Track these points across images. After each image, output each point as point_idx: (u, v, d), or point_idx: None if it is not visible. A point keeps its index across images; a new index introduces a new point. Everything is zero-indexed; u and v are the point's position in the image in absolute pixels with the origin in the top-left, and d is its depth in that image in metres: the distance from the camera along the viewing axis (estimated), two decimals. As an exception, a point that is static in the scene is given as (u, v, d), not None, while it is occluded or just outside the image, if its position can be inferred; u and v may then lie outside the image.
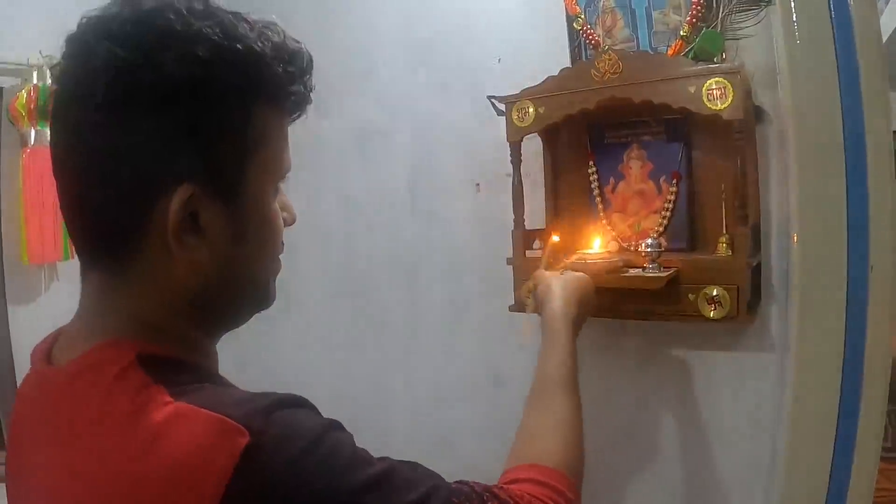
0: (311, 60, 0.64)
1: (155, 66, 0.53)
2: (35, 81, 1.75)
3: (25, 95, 1.73)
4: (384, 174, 1.72)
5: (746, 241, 1.13)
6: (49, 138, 0.60)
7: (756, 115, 1.23)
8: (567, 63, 1.36)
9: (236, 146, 0.59)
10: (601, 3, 1.33)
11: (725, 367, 1.29)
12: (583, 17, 1.33)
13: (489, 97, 1.40)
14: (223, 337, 0.68)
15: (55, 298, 1.86)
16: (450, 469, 0.64)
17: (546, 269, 1.17)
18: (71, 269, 1.85)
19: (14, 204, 1.78)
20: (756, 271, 1.22)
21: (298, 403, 0.57)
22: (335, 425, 0.57)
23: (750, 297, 1.16)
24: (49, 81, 1.76)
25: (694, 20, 1.21)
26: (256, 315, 0.69)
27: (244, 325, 0.69)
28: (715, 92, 1.10)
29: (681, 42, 1.23)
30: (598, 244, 1.30)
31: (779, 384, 1.23)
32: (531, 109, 1.28)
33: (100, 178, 0.56)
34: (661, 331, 1.33)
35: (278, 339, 1.83)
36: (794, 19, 1.11)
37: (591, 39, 1.33)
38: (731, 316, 1.14)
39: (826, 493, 1.10)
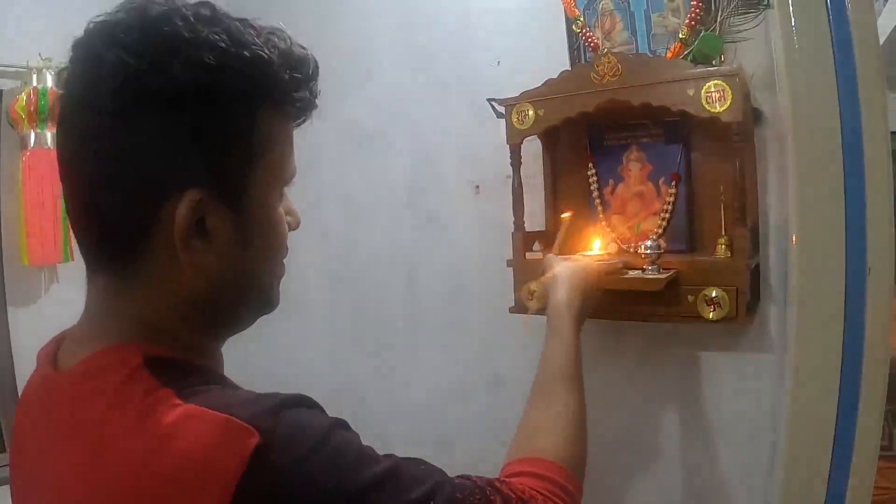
0: (316, 66, 0.64)
1: (163, 71, 0.54)
2: (35, 84, 1.76)
3: (25, 98, 1.73)
4: (384, 176, 1.73)
5: (745, 242, 1.14)
6: (56, 143, 0.60)
7: (755, 117, 1.23)
8: (566, 66, 1.37)
9: (243, 151, 0.59)
10: (600, 5, 1.33)
11: (725, 367, 1.30)
12: (582, 19, 1.34)
13: (489, 100, 1.41)
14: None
15: (55, 300, 1.87)
16: (449, 469, 0.64)
17: (561, 247, 1.17)
18: (71, 271, 1.86)
19: (14, 206, 1.78)
20: (755, 273, 1.22)
21: (305, 403, 0.57)
22: (341, 424, 0.58)
23: (749, 298, 1.16)
24: (49, 84, 1.76)
25: (693, 23, 1.21)
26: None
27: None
28: (714, 94, 1.10)
29: (679, 45, 1.23)
30: (597, 246, 1.30)
31: (778, 385, 1.23)
32: (531, 112, 1.28)
33: (107, 183, 0.56)
34: (661, 332, 1.34)
35: (278, 341, 1.83)
36: (793, 22, 1.11)
37: (590, 42, 1.33)
38: (731, 317, 1.14)
39: (825, 493, 1.10)
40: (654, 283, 1.14)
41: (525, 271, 1.30)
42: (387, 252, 1.74)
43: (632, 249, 1.30)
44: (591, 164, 1.37)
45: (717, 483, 1.32)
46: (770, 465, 1.25)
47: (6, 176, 1.79)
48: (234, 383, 0.61)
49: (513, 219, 1.34)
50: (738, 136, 1.12)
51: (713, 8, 1.21)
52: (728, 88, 1.09)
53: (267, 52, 0.59)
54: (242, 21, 0.59)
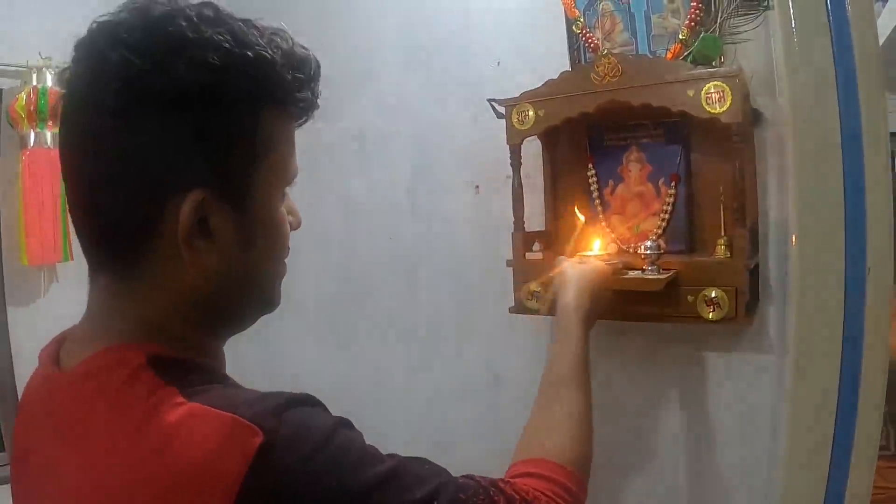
0: (318, 67, 0.65)
1: (167, 71, 0.54)
2: (35, 83, 1.76)
3: (25, 97, 1.74)
4: (384, 176, 1.73)
5: (745, 243, 1.14)
6: (58, 143, 0.61)
7: (754, 118, 1.23)
8: (566, 66, 1.37)
9: (246, 151, 0.60)
10: (600, 6, 1.33)
11: (724, 367, 1.30)
12: (582, 20, 1.34)
13: (489, 100, 1.41)
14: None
15: (55, 300, 1.87)
16: (448, 469, 0.64)
17: (574, 251, 1.18)
18: (70, 270, 1.86)
19: (13, 205, 1.78)
20: (754, 273, 1.23)
21: (309, 402, 0.57)
22: (345, 423, 0.58)
23: (748, 298, 1.16)
24: (49, 83, 1.76)
25: (693, 24, 1.22)
26: None
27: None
28: (713, 95, 1.11)
29: (679, 46, 1.24)
30: (597, 246, 1.30)
31: (777, 385, 1.24)
32: (531, 112, 1.29)
33: (111, 183, 0.57)
34: (660, 332, 1.34)
35: (278, 341, 1.84)
36: (793, 23, 1.12)
37: (590, 43, 1.34)
38: (730, 317, 1.15)
39: (825, 492, 1.11)
40: (654, 283, 1.15)
41: (525, 271, 1.31)
42: (386, 252, 1.74)
43: (631, 250, 1.30)
44: (590, 165, 1.37)
45: (715, 483, 1.32)
46: (770, 464, 1.25)
47: (6, 175, 1.79)
48: (236, 382, 0.61)
49: (513, 219, 1.35)
50: (738, 136, 1.12)
51: (713, 9, 1.21)
52: (728, 89, 1.09)
53: (270, 52, 0.59)
54: (245, 22, 0.59)
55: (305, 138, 0.68)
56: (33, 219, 1.77)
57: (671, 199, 1.28)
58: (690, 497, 1.35)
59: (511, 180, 1.35)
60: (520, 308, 1.33)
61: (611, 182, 1.36)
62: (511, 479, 0.70)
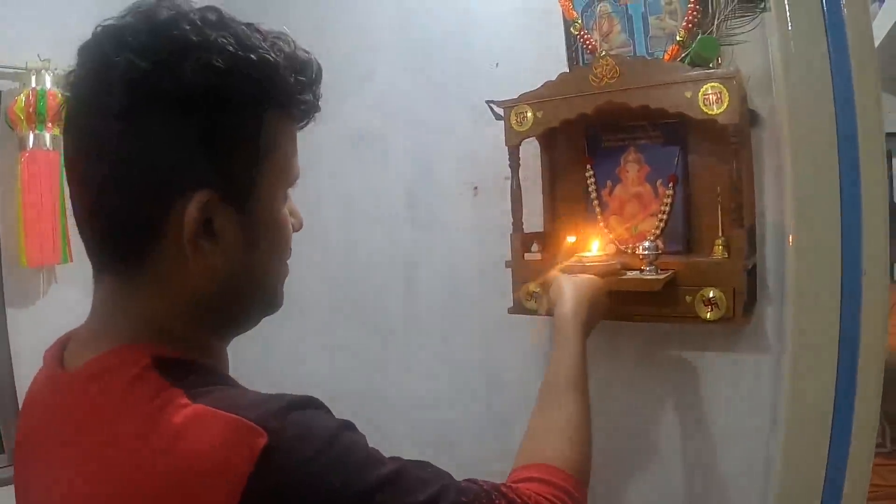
0: (320, 70, 0.65)
1: (172, 74, 0.55)
2: (34, 85, 1.76)
3: (24, 99, 1.74)
4: (382, 178, 1.73)
5: (742, 243, 1.15)
6: (63, 146, 0.61)
7: (751, 119, 1.24)
8: (564, 68, 1.37)
9: (249, 153, 0.60)
10: (598, 8, 1.34)
11: (722, 367, 1.31)
12: (580, 22, 1.35)
13: (487, 102, 1.42)
14: None
15: (54, 301, 1.87)
16: (447, 470, 0.65)
17: (560, 270, 1.19)
18: (70, 272, 1.86)
19: (13, 207, 1.78)
20: (752, 273, 1.23)
21: (313, 404, 0.58)
22: (348, 426, 0.59)
23: (746, 298, 1.17)
24: (48, 85, 1.76)
25: (690, 25, 1.22)
26: None
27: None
28: (711, 97, 1.11)
29: (677, 47, 1.24)
30: (595, 247, 1.31)
31: (774, 384, 1.24)
32: (529, 114, 1.29)
33: (116, 185, 0.57)
34: (659, 332, 1.34)
35: (277, 343, 1.84)
36: (789, 25, 1.12)
37: (588, 44, 1.34)
38: (728, 317, 1.15)
39: (822, 491, 1.11)
40: (652, 283, 1.15)
41: (524, 272, 1.31)
42: (385, 253, 1.75)
43: (630, 250, 1.31)
44: (589, 166, 1.37)
45: (714, 482, 1.33)
46: (767, 464, 1.26)
47: (5, 177, 1.79)
48: (238, 383, 0.62)
49: (511, 220, 1.35)
50: (735, 137, 1.13)
51: (710, 11, 1.22)
52: (725, 91, 1.10)
53: (273, 55, 0.60)
54: (248, 25, 0.60)
55: (304, 140, 0.69)
56: (32, 220, 1.77)
57: (669, 200, 1.29)
58: (689, 496, 1.36)
59: (509, 181, 1.35)
60: (519, 308, 1.33)
61: (609, 183, 1.36)
62: (513, 484, 0.71)
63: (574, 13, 1.35)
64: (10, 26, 1.78)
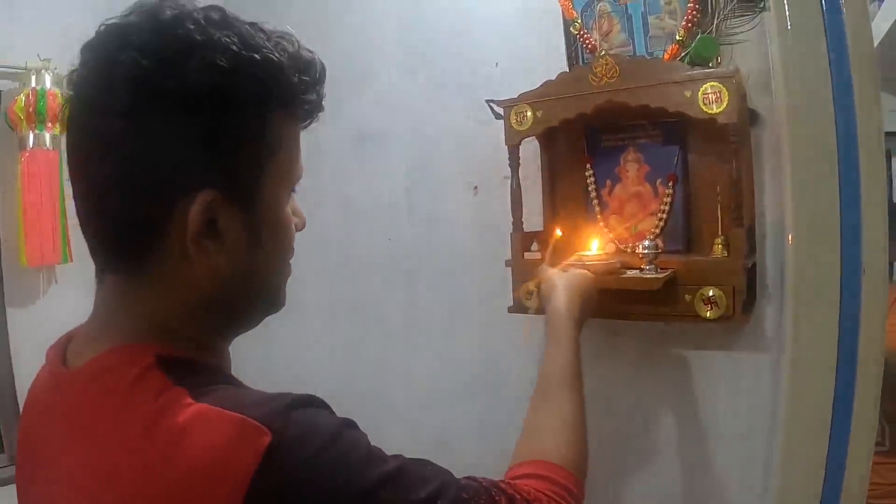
0: (323, 69, 0.65)
1: (177, 73, 0.55)
2: (34, 85, 1.76)
3: (24, 99, 1.73)
4: (382, 177, 1.74)
5: (742, 242, 1.15)
6: (66, 145, 0.61)
7: (751, 118, 1.24)
8: (564, 67, 1.38)
9: (253, 153, 0.60)
10: (598, 7, 1.34)
11: (721, 366, 1.31)
12: (579, 21, 1.35)
13: (487, 101, 1.42)
14: None
15: (54, 301, 1.87)
16: (449, 468, 0.65)
17: (550, 265, 1.19)
18: (70, 272, 1.86)
19: (12, 207, 1.78)
20: (751, 272, 1.23)
21: (315, 403, 0.58)
22: (350, 424, 0.59)
23: (745, 297, 1.17)
24: (48, 85, 1.76)
25: (689, 25, 1.22)
26: None
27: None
28: (710, 96, 1.12)
29: (676, 47, 1.24)
30: (595, 246, 1.31)
31: (774, 383, 1.24)
32: (529, 113, 1.29)
33: (119, 184, 0.57)
34: (658, 331, 1.35)
35: (277, 342, 1.84)
36: (788, 25, 1.13)
37: (588, 44, 1.34)
38: (727, 316, 1.16)
39: (821, 490, 1.12)
40: (652, 282, 1.15)
41: (523, 271, 1.31)
42: (386, 252, 1.75)
43: (629, 249, 1.31)
44: (588, 165, 1.37)
45: (713, 481, 1.33)
46: (767, 462, 1.26)
47: (5, 177, 1.79)
48: (241, 383, 0.62)
49: (511, 219, 1.35)
50: (735, 137, 1.13)
51: (710, 10, 1.22)
52: (724, 90, 1.10)
53: (277, 55, 0.60)
54: (252, 25, 0.60)
55: (304, 139, 0.69)
56: (32, 220, 1.77)
57: (669, 199, 1.29)
58: (688, 495, 1.36)
59: (509, 181, 1.35)
60: (518, 307, 1.33)
61: (608, 182, 1.37)
62: (511, 480, 0.71)
63: (574, 13, 1.35)
64: (11, 26, 1.78)
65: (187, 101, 0.55)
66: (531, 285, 1.27)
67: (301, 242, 0.71)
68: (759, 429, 1.27)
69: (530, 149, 1.41)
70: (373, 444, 0.60)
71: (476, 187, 1.60)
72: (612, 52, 1.27)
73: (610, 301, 1.20)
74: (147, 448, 0.52)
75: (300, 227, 0.70)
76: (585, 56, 1.37)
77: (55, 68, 1.78)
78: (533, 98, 1.29)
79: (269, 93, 0.60)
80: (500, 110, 1.34)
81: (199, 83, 0.55)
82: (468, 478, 0.65)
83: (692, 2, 1.22)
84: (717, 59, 1.22)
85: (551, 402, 0.90)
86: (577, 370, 0.95)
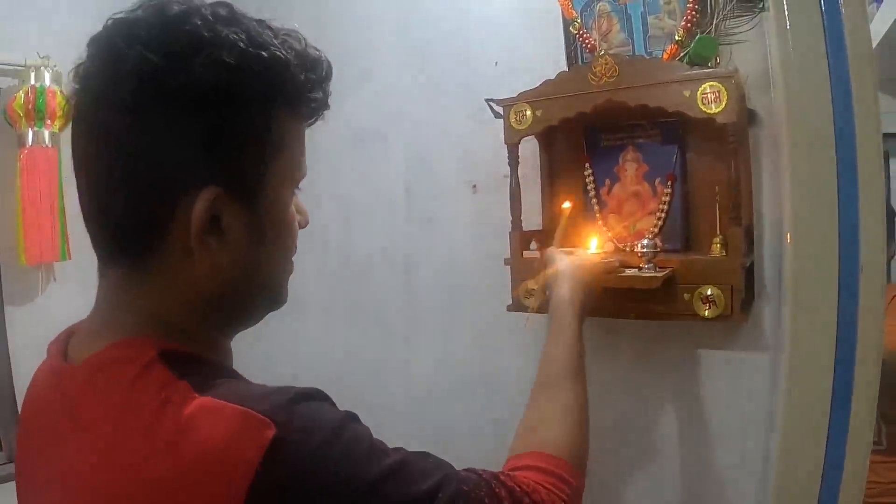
0: (330, 68, 0.66)
1: (184, 69, 0.55)
2: (33, 82, 1.75)
3: (23, 96, 1.73)
4: (382, 176, 1.74)
5: (740, 241, 1.15)
6: (71, 137, 0.61)
7: (749, 118, 1.25)
8: (564, 67, 1.38)
9: (258, 150, 0.61)
10: (597, 7, 1.35)
11: (719, 365, 1.31)
12: (579, 21, 1.35)
13: (487, 100, 1.42)
14: None
15: (53, 299, 1.87)
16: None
17: (562, 239, 1.19)
18: (68, 269, 1.86)
19: (11, 204, 1.78)
20: (750, 271, 1.24)
21: (318, 397, 0.59)
22: (353, 417, 0.60)
23: (744, 296, 1.18)
24: (47, 82, 1.76)
25: (689, 25, 1.23)
26: None
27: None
28: (709, 96, 1.12)
29: (676, 46, 1.25)
30: (594, 245, 1.31)
31: (772, 382, 1.25)
32: (528, 112, 1.30)
33: (124, 179, 0.57)
34: (657, 330, 1.35)
35: (276, 339, 1.84)
36: (787, 25, 1.13)
37: (588, 43, 1.35)
38: (726, 315, 1.16)
39: (819, 488, 1.12)
40: (651, 280, 1.16)
41: (522, 270, 1.32)
42: (384, 251, 1.75)
43: (628, 248, 1.31)
44: (587, 164, 1.38)
45: (711, 479, 1.33)
46: (765, 461, 1.26)
47: (4, 174, 1.79)
48: (243, 377, 0.62)
49: (510, 218, 1.36)
50: (734, 136, 1.14)
51: (709, 10, 1.22)
52: (723, 90, 1.11)
53: (284, 53, 0.60)
54: (259, 22, 0.60)
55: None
56: (31, 218, 1.77)
57: (667, 199, 1.30)
58: (686, 493, 1.37)
59: (508, 180, 1.36)
60: (517, 306, 1.34)
61: (607, 181, 1.37)
62: (510, 472, 0.71)
63: (573, 12, 1.35)
64: (10, 23, 1.78)
65: (193, 97, 0.56)
66: (531, 283, 1.27)
67: (300, 240, 0.71)
68: (757, 427, 1.28)
69: (529, 148, 1.42)
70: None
71: (475, 186, 1.60)
72: (611, 51, 1.28)
73: (608, 299, 1.20)
74: (150, 441, 0.52)
75: (303, 225, 0.71)
76: (585, 55, 1.37)
77: (54, 65, 1.77)
78: (532, 97, 1.29)
79: (276, 90, 0.60)
80: (500, 109, 1.35)
81: (205, 79, 0.55)
82: (468, 469, 0.65)
83: (691, 2, 1.22)
84: (716, 60, 1.23)
85: (551, 392, 0.90)
86: (580, 361, 0.95)
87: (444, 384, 1.68)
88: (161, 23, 0.56)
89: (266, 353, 1.81)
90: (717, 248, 1.19)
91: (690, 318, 1.19)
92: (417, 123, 1.67)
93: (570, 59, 1.40)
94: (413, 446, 0.64)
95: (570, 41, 1.40)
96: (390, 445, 0.62)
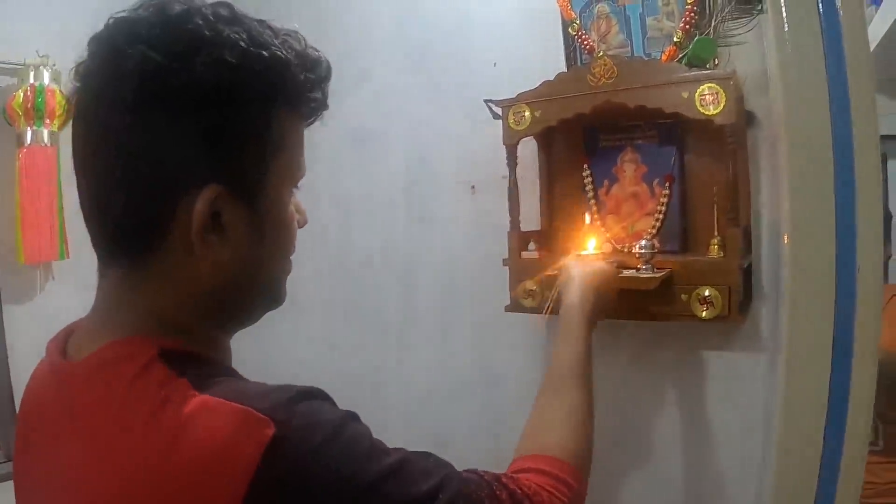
0: (329, 68, 0.66)
1: (185, 68, 0.55)
2: (32, 81, 1.75)
3: (22, 95, 1.73)
4: (380, 176, 1.74)
5: (738, 242, 1.16)
6: (72, 136, 0.61)
7: (747, 119, 1.25)
8: (562, 68, 1.38)
9: (258, 149, 0.61)
10: (596, 8, 1.35)
11: (717, 366, 1.32)
12: (578, 22, 1.35)
13: (486, 101, 1.43)
14: None
15: (51, 298, 1.87)
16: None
17: (580, 252, 1.20)
18: (67, 268, 1.86)
19: (10, 203, 1.78)
20: (747, 272, 1.24)
21: (318, 396, 0.59)
22: (353, 416, 0.60)
23: (741, 297, 1.18)
24: (46, 81, 1.76)
25: (687, 26, 1.23)
26: None
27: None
28: (707, 97, 1.13)
29: (674, 48, 1.25)
30: (592, 245, 1.32)
31: (769, 382, 1.25)
32: (527, 113, 1.30)
33: (126, 178, 0.57)
34: (655, 330, 1.35)
35: (274, 339, 1.84)
36: (785, 27, 1.13)
37: (586, 44, 1.35)
38: (723, 316, 1.16)
39: (816, 488, 1.12)
40: (649, 281, 1.16)
41: (521, 270, 1.32)
42: (383, 251, 1.75)
43: (626, 249, 1.32)
44: (586, 165, 1.38)
45: (709, 480, 1.34)
46: (762, 461, 1.27)
47: (2, 173, 1.79)
48: (242, 376, 0.62)
49: (508, 218, 1.36)
50: (732, 138, 1.14)
51: (708, 12, 1.23)
52: (722, 91, 1.11)
53: (284, 52, 0.60)
54: (260, 22, 0.61)
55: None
56: (30, 217, 1.76)
57: (665, 200, 1.30)
58: (684, 493, 1.37)
59: (507, 180, 1.36)
60: (516, 306, 1.34)
61: (606, 182, 1.37)
62: (513, 474, 0.71)
63: (572, 13, 1.36)
64: (9, 22, 1.78)
65: (195, 95, 0.56)
66: (529, 284, 1.27)
67: (299, 240, 0.71)
68: (755, 428, 1.28)
69: (528, 148, 1.42)
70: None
71: (474, 187, 1.60)
72: (610, 52, 1.28)
73: (616, 302, 1.20)
74: (150, 439, 0.52)
75: (302, 224, 0.71)
76: (583, 57, 1.38)
77: (54, 65, 1.77)
78: (531, 98, 1.29)
79: (276, 90, 0.61)
80: (499, 110, 1.35)
81: (206, 78, 0.56)
82: (470, 471, 0.66)
83: (690, 3, 1.23)
84: (715, 61, 1.23)
85: (557, 396, 0.90)
86: (587, 365, 0.95)
87: (443, 383, 1.68)
88: (162, 22, 0.57)
89: (265, 352, 1.81)
90: (714, 249, 1.20)
91: (688, 318, 1.19)
92: (417, 124, 1.67)
93: (569, 60, 1.41)
94: (411, 446, 0.65)
95: (569, 42, 1.40)
96: (389, 445, 0.62)
